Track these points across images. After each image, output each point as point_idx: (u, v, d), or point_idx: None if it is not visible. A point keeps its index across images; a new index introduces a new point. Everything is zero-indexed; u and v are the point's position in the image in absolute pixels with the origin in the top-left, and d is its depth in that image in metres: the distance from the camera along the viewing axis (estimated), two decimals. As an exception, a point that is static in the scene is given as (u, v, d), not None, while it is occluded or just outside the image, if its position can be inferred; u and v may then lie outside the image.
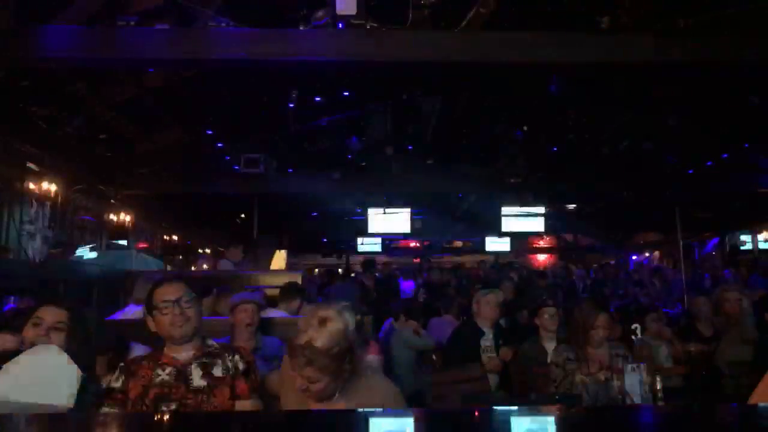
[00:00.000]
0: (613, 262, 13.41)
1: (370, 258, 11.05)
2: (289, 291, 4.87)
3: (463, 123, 9.25)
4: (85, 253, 7.89)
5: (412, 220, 12.77)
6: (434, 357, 4.83)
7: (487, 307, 4.64)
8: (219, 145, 9.72)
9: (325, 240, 17.15)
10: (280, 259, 11.71)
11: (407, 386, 4.44)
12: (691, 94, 7.81)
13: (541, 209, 13.44)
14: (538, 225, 13.65)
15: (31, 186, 7.37)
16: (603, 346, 3.37)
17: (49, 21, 5.15)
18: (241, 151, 9.17)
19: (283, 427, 1.75)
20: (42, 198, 7.44)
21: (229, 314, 3.71)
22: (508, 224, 13.22)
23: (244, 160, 9.04)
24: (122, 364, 2.38)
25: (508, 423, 1.30)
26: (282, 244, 12.88)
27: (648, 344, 4.08)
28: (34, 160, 7.48)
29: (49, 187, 7.55)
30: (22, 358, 2.04)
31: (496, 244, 15.46)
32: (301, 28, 5.14)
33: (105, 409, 2.20)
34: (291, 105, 7.63)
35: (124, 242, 10.15)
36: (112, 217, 9.83)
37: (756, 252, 13.22)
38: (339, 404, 2.10)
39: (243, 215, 12.66)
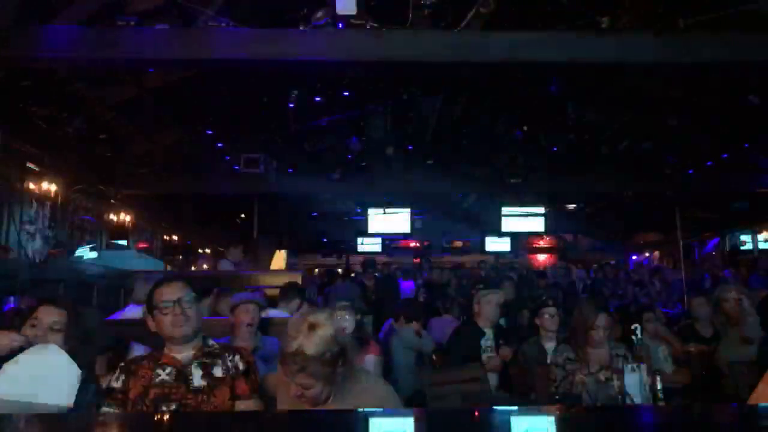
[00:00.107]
0: (613, 262, 13.40)
1: (369, 258, 11.05)
2: (289, 291, 4.87)
3: (463, 123, 9.25)
4: (85, 253, 7.89)
5: (412, 220, 12.78)
6: (434, 357, 4.83)
7: (487, 307, 4.64)
8: (219, 145, 9.72)
9: (325, 240, 17.14)
10: (279, 259, 11.72)
11: (407, 386, 4.44)
12: (691, 94, 7.82)
13: (541, 209, 13.45)
14: (538, 225, 13.66)
15: (31, 186, 7.37)
16: (603, 346, 3.37)
17: (49, 21, 5.15)
18: (241, 151, 9.17)
19: (283, 427, 1.75)
20: (42, 198, 7.44)
21: (230, 314, 3.71)
22: (508, 224, 13.23)
23: (244, 160, 9.03)
24: (122, 364, 2.38)
25: (508, 423, 1.30)
26: (282, 244, 12.90)
27: (646, 345, 4.08)
28: (34, 160, 7.48)
29: (49, 187, 7.55)
30: (22, 358, 2.04)
31: (496, 244, 15.46)
32: (301, 28, 5.14)
33: (105, 409, 2.20)
34: (291, 105, 7.63)
35: (124, 242, 10.15)
36: (112, 217, 9.83)
37: (756, 252, 13.21)
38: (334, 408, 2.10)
39: (243, 215, 12.67)
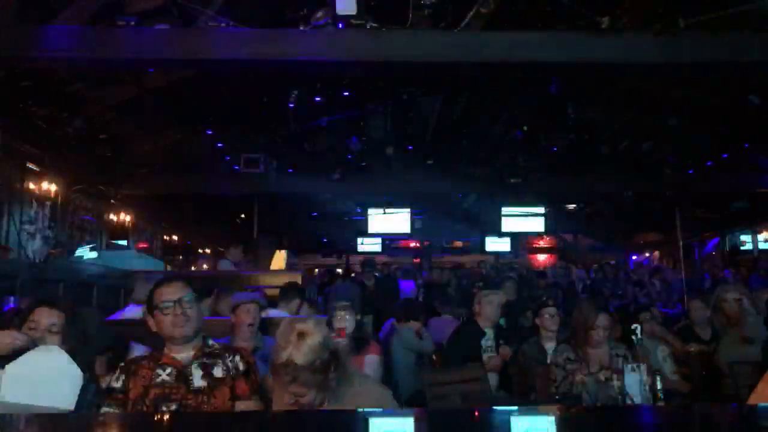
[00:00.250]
0: (613, 262, 13.40)
1: (368, 258, 11.05)
2: (289, 291, 4.88)
3: (463, 123, 9.24)
4: (85, 253, 7.89)
5: (412, 220, 12.78)
6: (434, 357, 4.83)
7: (488, 307, 4.65)
8: (219, 145, 9.72)
9: (325, 240, 17.13)
10: (279, 259, 11.72)
11: (407, 386, 4.44)
12: (691, 94, 7.82)
13: (541, 209, 13.46)
14: (538, 225, 13.66)
15: (31, 186, 7.37)
16: (603, 346, 3.37)
17: (49, 21, 5.15)
18: (241, 151, 9.17)
19: (283, 427, 1.75)
20: (42, 198, 7.43)
21: (230, 314, 3.71)
22: (508, 224, 13.23)
23: (244, 160, 9.04)
24: (122, 364, 2.38)
25: (508, 423, 1.30)
26: (282, 244, 12.88)
27: (644, 345, 4.08)
28: (34, 160, 7.48)
29: (49, 187, 7.55)
30: (25, 360, 2.04)
31: (496, 244, 15.46)
32: (301, 28, 5.14)
33: (105, 409, 2.20)
34: (291, 105, 7.63)
35: (124, 242, 10.14)
36: (112, 217, 9.83)
37: (756, 252, 13.21)
38: None
39: (243, 215, 12.66)
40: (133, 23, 5.01)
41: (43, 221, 7.30)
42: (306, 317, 2.22)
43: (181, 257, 13.33)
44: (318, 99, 8.18)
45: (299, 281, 5.63)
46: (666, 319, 6.10)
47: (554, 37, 5.23)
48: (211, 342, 2.45)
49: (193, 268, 9.34)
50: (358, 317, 3.91)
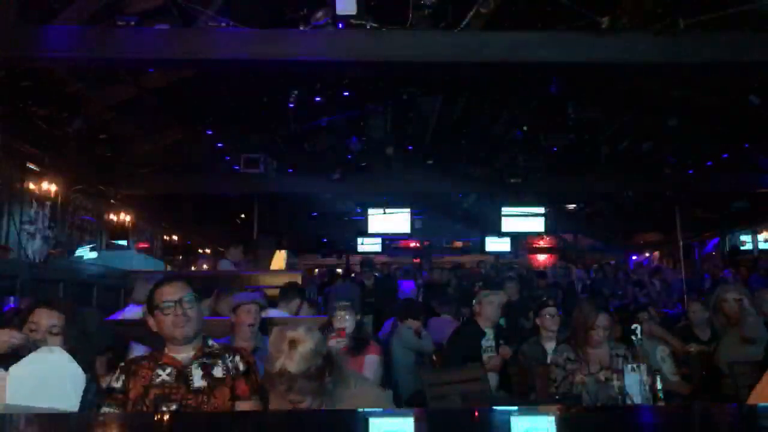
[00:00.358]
0: (613, 262, 13.40)
1: (367, 258, 11.06)
2: (289, 291, 4.88)
3: (463, 123, 9.24)
4: (85, 253, 7.89)
5: (412, 220, 12.78)
6: (434, 357, 4.83)
7: (489, 307, 4.65)
8: (219, 145, 9.72)
9: (325, 240, 17.13)
10: (279, 260, 11.72)
11: (407, 386, 4.44)
12: (691, 94, 7.82)
13: (541, 209, 13.45)
14: (538, 225, 13.66)
15: (31, 186, 7.36)
16: (603, 346, 3.37)
17: (49, 21, 5.15)
18: (241, 151, 9.17)
19: (283, 427, 1.75)
20: (42, 198, 7.43)
21: (231, 314, 3.72)
22: (508, 224, 13.22)
23: (244, 160, 9.03)
24: (122, 364, 2.37)
25: (508, 423, 1.30)
26: (282, 244, 12.89)
27: (643, 345, 4.08)
28: (34, 160, 7.47)
29: (49, 187, 7.54)
30: (27, 361, 2.03)
31: (496, 244, 15.45)
32: (301, 28, 5.14)
33: (105, 409, 2.20)
34: (291, 105, 7.63)
35: (124, 242, 10.14)
36: (112, 217, 9.82)
37: (756, 252, 13.21)
38: None
39: (243, 215, 12.66)
40: (133, 23, 5.01)
41: (43, 221, 7.31)
42: (299, 322, 2.19)
43: (181, 257, 13.33)
44: (318, 99, 8.18)
45: (299, 281, 5.64)
46: (666, 319, 6.11)
47: (554, 37, 5.23)
48: (211, 342, 2.45)
49: (193, 268, 9.34)
50: (358, 317, 3.91)
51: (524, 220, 13.42)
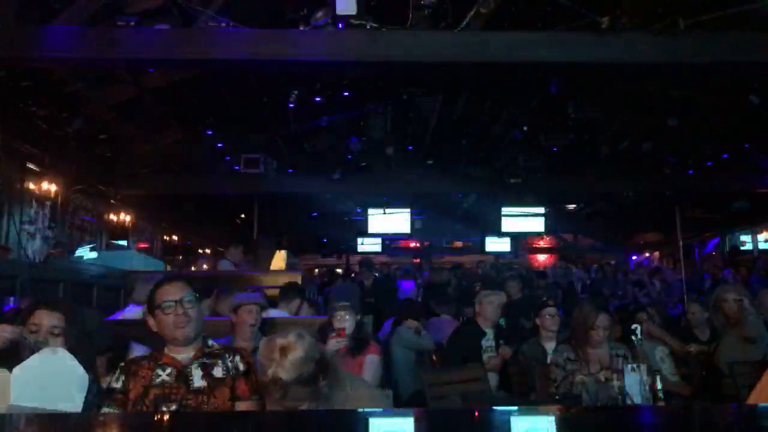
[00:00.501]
0: (613, 262, 13.41)
1: (366, 258, 11.06)
2: (289, 291, 4.88)
3: (463, 123, 9.25)
4: (85, 253, 7.88)
5: (412, 220, 12.79)
6: (434, 357, 4.83)
7: (489, 307, 4.65)
8: (219, 145, 9.72)
9: (325, 240, 17.13)
10: (279, 260, 11.71)
11: (407, 386, 4.44)
12: (691, 94, 7.82)
13: (541, 209, 13.46)
14: (538, 225, 13.67)
15: (31, 186, 7.36)
16: (603, 346, 3.37)
17: (49, 21, 5.15)
18: (241, 151, 9.17)
19: (283, 428, 1.75)
20: (42, 198, 7.43)
21: (231, 314, 3.72)
22: (508, 224, 13.23)
23: (244, 160, 9.03)
24: (122, 364, 2.37)
25: (508, 423, 1.30)
26: (282, 244, 12.88)
27: (642, 346, 4.07)
28: (34, 160, 7.47)
29: (49, 187, 7.54)
30: (30, 362, 2.03)
31: (496, 244, 15.46)
32: (301, 28, 5.14)
33: (105, 410, 2.19)
34: (291, 105, 7.63)
35: (124, 242, 10.14)
36: (112, 217, 9.82)
37: (756, 252, 13.21)
38: None
39: (243, 215, 12.66)
40: (133, 23, 5.01)
41: (43, 221, 7.30)
42: (290, 328, 2.18)
43: (181, 257, 13.33)
44: (318, 99, 8.18)
45: (299, 281, 5.64)
46: (669, 318, 6.11)
47: (554, 37, 5.23)
48: (211, 342, 2.45)
49: (193, 268, 9.34)
50: (358, 317, 3.91)
51: (524, 220, 13.43)
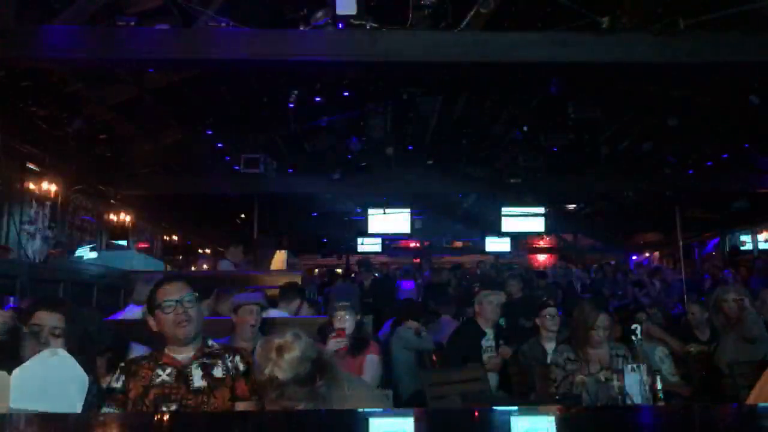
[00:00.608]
0: (613, 262, 13.40)
1: (364, 258, 11.07)
2: (289, 291, 4.88)
3: (463, 123, 9.25)
4: (85, 253, 7.88)
5: (412, 220, 12.79)
6: (434, 357, 4.83)
7: (489, 307, 4.66)
8: (219, 145, 9.72)
9: (325, 240, 17.14)
10: (279, 260, 11.71)
11: (407, 386, 4.44)
12: (691, 94, 7.82)
13: (541, 209, 13.46)
14: (538, 225, 13.68)
15: (31, 186, 7.36)
16: (603, 346, 3.37)
17: (49, 21, 5.15)
18: (241, 151, 9.17)
19: (283, 427, 1.75)
20: (42, 198, 7.43)
21: (232, 314, 3.72)
22: (508, 224, 13.24)
23: (244, 160, 9.03)
24: (122, 364, 2.37)
25: (508, 423, 1.30)
26: (282, 244, 12.89)
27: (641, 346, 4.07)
28: (34, 160, 7.47)
29: (49, 187, 7.54)
30: (31, 363, 2.03)
31: (496, 244, 15.47)
32: (301, 28, 5.14)
33: (105, 410, 2.20)
34: (291, 105, 7.63)
35: (124, 242, 10.14)
36: (112, 217, 9.82)
37: (756, 252, 13.21)
38: None
39: (243, 215, 12.66)
40: (133, 23, 5.01)
41: (43, 221, 7.31)
42: (289, 327, 2.17)
43: (181, 257, 13.33)
44: (318, 99, 8.18)
45: (299, 281, 5.64)
46: (671, 318, 6.11)
47: (554, 37, 5.23)
48: (211, 342, 2.45)
49: (193, 268, 9.35)
50: (358, 317, 3.91)
51: (524, 220, 13.44)
